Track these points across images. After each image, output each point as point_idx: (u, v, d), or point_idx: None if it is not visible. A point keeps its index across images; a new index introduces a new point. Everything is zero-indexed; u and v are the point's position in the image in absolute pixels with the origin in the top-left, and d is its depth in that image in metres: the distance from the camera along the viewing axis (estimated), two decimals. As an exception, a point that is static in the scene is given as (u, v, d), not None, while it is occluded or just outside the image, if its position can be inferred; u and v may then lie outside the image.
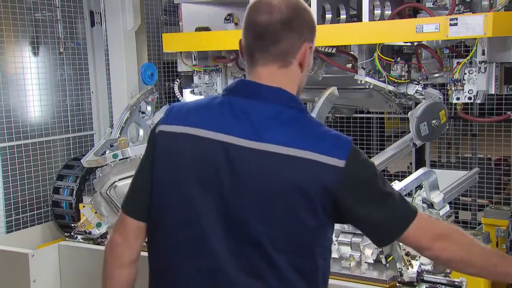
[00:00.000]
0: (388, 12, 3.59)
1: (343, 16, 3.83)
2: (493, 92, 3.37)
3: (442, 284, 2.96)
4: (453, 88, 3.37)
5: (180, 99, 4.58)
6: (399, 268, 3.02)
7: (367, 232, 1.70)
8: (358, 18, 3.71)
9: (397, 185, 3.16)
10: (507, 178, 5.35)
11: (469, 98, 3.34)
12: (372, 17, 3.45)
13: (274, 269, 1.57)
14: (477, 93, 3.34)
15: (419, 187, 3.27)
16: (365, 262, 3.20)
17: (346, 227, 3.39)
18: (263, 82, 1.66)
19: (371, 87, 3.57)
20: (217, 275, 1.59)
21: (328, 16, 3.74)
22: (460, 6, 3.30)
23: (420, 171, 3.20)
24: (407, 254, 2.98)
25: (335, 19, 3.78)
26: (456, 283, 2.95)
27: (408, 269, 2.98)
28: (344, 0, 3.85)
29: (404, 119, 5.50)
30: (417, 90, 3.52)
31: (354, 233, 3.30)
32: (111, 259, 1.75)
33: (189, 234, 1.62)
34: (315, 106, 3.58)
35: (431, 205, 3.15)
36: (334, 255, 3.33)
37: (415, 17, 3.55)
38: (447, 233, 1.70)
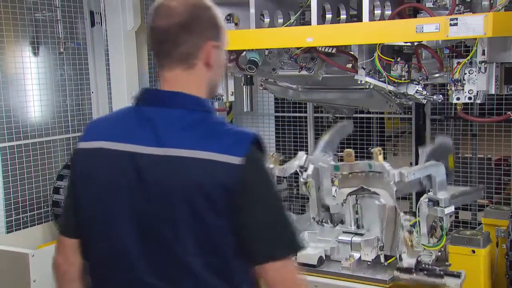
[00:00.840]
0: (388, 12, 3.58)
1: (343, 16, 3.83)
2: (493, 92, 3.37)
3: (441, 271, 2.98)
4: (453, 88, 3.37)
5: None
6: (399, 251, 3.03)
7: (244, 242, 1.59)
8: (358, 18, 3.71)
9: (406, 169, 3.14)
10: (507, 178, 5.34)
11: (469, 98, 3.34)
12: (372, 17, 3.45)
13: (190, 273, 1.58)
14: (477, 93, 3.34)
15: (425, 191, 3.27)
16: (365, 262, 3.21)
17: (347, 225, 3.40)
18: (168, 86, 1.67)
19: (371, 87, 3.57)
20: (136, 285, 1.62)
21: (328, 16, 3.74)
22: (460, 6, 3.30)
23: (431, 161, 3.19)
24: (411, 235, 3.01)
25: (335, 19, 3.78)
26: (455, 272, 2.98)
27: (410, 251, 3.00)
28: (344, 0, 3.85)
29: (404, 119, 5.52)
30: (417, 90, 3.51)
31: (354, 233, 3.31)
32: (58, 277, 1.80)
33: (110, 248, 1.66)
34: (326, 133, 3.65)
35: (436, 203, 3.14)
36: (334, 255, 3.33)
37: (415, 17, 3.55)
38: None
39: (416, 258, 3.06)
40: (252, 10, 3.72)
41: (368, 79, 3.51)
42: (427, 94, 3.54)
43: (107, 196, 1.64)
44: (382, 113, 5.72)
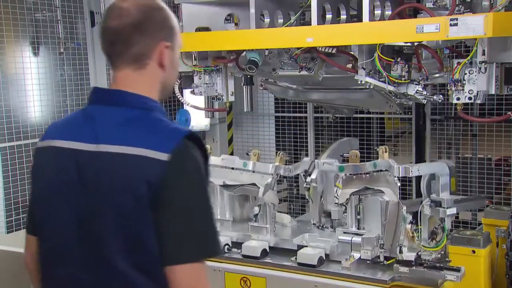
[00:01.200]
0: (388, 12, 3.59)
1: (343, 16, 3.84)
2: (493, 92, 3.37)
3: (440, 265, 2.97)
4: (453, 88, 3.37)
5: (180, 99, 4.58)
6: (399, 244, 3.02)
7: (163, 241, 1.55)
8: (358, 18, 3.71)
9: (411, 165, 3.19)
10: (508, 178, 5.35)
11: (469, 98, 3.34)
12: (372, 17, 3.45)
13: (117, 271, 1.57)
14: (477, 93, 3.33)
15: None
16: (365, 262, 3.20)
17: (348, 227, 3.40)
18: (117, 85, 1.69)
19: (371, 87, 3.57)
20: (72, 282, 1.65)
21: (328, 16, 3.75)
22: (460, 6, 3.30)
23: (437, 161, 3.23)
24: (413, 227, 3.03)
25: (335, 19, 3.79)
26: (454, 267, 2.97)
27: (411, 244, 3.02)
28: (344, 0, 3.85)
29: (404, 119, 5.52)
30: (417, 90, 3.52)
31: (355, 234, 3.31)
32: (30, 275, 1.83)
33: (53, 245, 1.69)
34: (333, 143, 3.72)
35: (439, 204, 3.14)
36: (334, 255, 3.33)
37: (415, 17, 3.55)
38: None
39: (416, 252, 3.05)
40: (252, 10, 3.72)
41: (368, 79, 3.51)
42: (427, 94, 3.54)
43: (53, 193, 1.68)
44: (382, 113, 5.73)
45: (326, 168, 3.54)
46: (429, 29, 3.14)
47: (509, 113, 3.48)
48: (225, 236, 3.57)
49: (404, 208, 3.11)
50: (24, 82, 4.97)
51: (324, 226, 3.65)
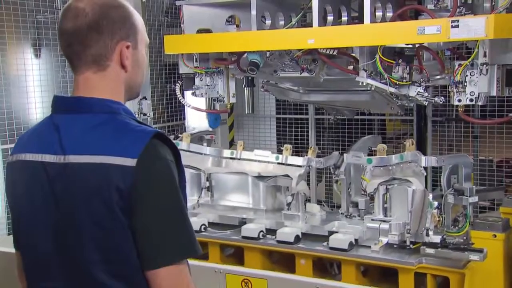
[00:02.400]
0: (389, 14, 3.59)
1: (344, 18, 3.83)
2: (494, 94, 3.37)
3: (464, 247, 3.20)
4: (454, 90, 3.37)
5: (181, 101, 4.59)
6: (426, 228, 3.24)
7: (141, 246, 1.52)
8: (359, 20, 3.71)
9: (438, 157, 3.37)
10: (509, 180, 5.34)
11: (471, 100, 3.34)
12: (373, 19, 3.46)
13: (96, 282, 1.55)
14: (478, 95, 3.34)
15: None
16: (393, 246, 3.41)
17: (375, 215, 3.59)
18: (79, 90, 1.63)
19: (373, 89, 3.57)
20: None
21: (330, 18, 3.75)
22: (461, 8, 3.30)
23: (460, 154, 3.48)
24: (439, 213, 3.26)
25: (337, 21, 3.79)
26: (477, 248, 3.20)
27: (436, 226, 3.26)
28: (346, 2, 3.85)
29: (406, 121, 5.53)
30: (419, 92, 3.52)
31: (382, 221, 3.49)
32: None
33: (32, 258, 1.67)
34: (358, 140, 3.99)
35: (461, 193, 3.29)
36: (363, 241, 3.53)
37: (417, 19, 3.55)
38: None
39: (442, 235, 3.26)
40: (254, 12, 3.72)
41: (369, 81, 3.51)
42: (429, 96, 3.54)
43: (27, 208, 1.64)
44: (384, 114, 5.73)
45: (354, 161, 3.71)
46: (431, 30, 3.14)
47: (511, 115, 3.48)
48: (259, 224, 3.82)
49: (430, 195, 3.32)
50: (25, 83, 4.98)
51: (352, 215, 3.81)
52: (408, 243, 3.36)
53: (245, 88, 4.43)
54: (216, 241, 3.97)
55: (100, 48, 1.59)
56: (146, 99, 4.83)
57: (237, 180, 4.08)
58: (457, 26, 3.07)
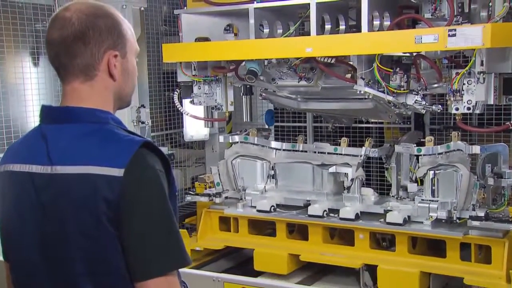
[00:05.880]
0: (387, 23, 3.60)
1: (342, 27, 3.85)
2: (492, 103, 3.38)
3: (506, 219, 3.59)
4: (452, 99, 3.38)
5: (179, 109, 4.59)
6: (472, 203, 3.66)
7: (129, 257, 1.50)
8: (357, 28, 3.73)
9: (480, 146, 3.77)
10: None
11: (468, 109, 3.36)
12: (371, 28, 3.47)
13: None
14: (476, 104, 3.35)
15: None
16: (441, 221, 3.78)
17: (423, 196, 3.96)
18: (66, 100, 1.61)
19: (370, 97, 3.59)
20: None
21: (328, 26, 3.76)
22: (458, 17, 3.32)
23: (499, 143, 3.90)
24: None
25: (334, 30, 3.80)
26: None
27: (481, 204, 3.69)
28: (343, 10, 3.87)
29: (404, 129, 5.52)
30: (416, 100, 3.53)
31: (431, 200, 3.89)
32: None
33: (20, 270, 1.65)
34: (401, 138, 4.37)
35: (500, 176, 3.68)
36: (415, 217, 3.90)
37: (414, 27, 3.57)
38: None
39: (485, 210, 3.64)
40: (252, 21, 3.74)
41: (367, 89, 3.52)
42: (426, 104, 3.56)
43: (15, 219, 1.62)
44: (382, 122, 5.72)
45: (404, 151, 4.10)
46: (428, 39, 3.16)
47: (508, 123, 3.49)
48: (322, 204, 4.27)
49: (475, 177, 3.71)
50: (24, 92, 4.97)
51: (401, 197, 4.18)
52: (454, 218, 3.72)
53: (243, 96, 4.44)
54: (283, 220, 4.36)
55: (87, 58, 1.57)
56: (144, 107, 4.83)
57: (300, 168, 4.49)
58: (454, 35, 3.08)
